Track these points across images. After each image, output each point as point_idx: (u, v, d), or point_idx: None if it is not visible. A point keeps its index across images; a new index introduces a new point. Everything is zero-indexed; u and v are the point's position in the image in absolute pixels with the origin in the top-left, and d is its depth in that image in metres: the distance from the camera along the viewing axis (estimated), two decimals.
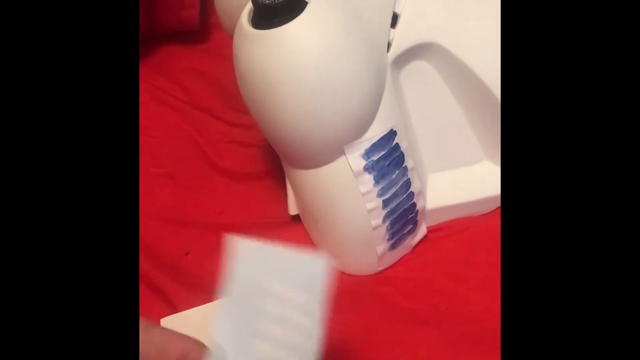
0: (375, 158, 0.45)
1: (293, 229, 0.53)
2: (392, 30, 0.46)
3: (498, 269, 0.47)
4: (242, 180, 0.59)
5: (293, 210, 0.52)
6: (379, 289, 0.48)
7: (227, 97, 0.66)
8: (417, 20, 0.46)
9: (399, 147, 0.46)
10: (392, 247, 0.49)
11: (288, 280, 0.35)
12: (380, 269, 0.49)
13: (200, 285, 0.50)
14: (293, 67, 0.40)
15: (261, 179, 0.58)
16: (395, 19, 0.46)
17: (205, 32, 0.75)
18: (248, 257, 0.35)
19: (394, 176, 0.46)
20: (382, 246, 0.48)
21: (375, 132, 0.44)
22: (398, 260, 0.50)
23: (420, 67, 0.48)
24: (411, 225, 0.49)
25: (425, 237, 0.51)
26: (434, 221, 0.52)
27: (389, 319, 0.46)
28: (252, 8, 0.42)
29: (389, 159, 0.45)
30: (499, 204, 0.52)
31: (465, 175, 0.52)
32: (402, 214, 0.48)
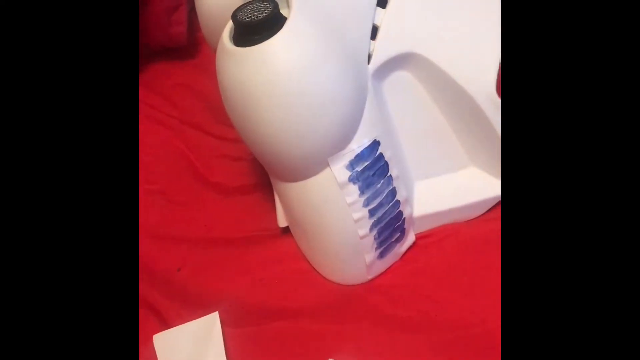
0: (359, 169, 0.45)
1: (283, 241, 0.54)
2: (372, 42, 0.47)
3: (486, 274, 0.47)
4: (232, 194, 0.59)
5: (282, 222, 0.52)
6: (369, 297, 0.49)
7: (217, 111, 0.67)
8: (396, 31, 0.47)
9: (383, 157, 0.46)
10: (381, 255, 0.49)
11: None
12: (369, 277, 0.50)
13: (193, 300, 0.51)
14: (273, 84, 0.41)
15: (251, 192, 0.59)
16: (374, 31, 0.47)
17: (193, 47, 0.76)
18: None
19: (379, 186, 0.46)
20: (370, 255, 0.48)
21: (358, 143, 0.45)
22: (387, 269, 0.51)
23: (401, 77, 0.49)
24: (399, 233, 0.49)
25: (413, 244, 0.52)
26: (422, 228, 0.52)
27: (379, 327, 0.46)
28: (233, 26, 0.43)
29: (373, 169, 0.46)
30: (486, 208, 0.53)
31: (451, 182, 0.53)
32: (389, 223, 0.48)
